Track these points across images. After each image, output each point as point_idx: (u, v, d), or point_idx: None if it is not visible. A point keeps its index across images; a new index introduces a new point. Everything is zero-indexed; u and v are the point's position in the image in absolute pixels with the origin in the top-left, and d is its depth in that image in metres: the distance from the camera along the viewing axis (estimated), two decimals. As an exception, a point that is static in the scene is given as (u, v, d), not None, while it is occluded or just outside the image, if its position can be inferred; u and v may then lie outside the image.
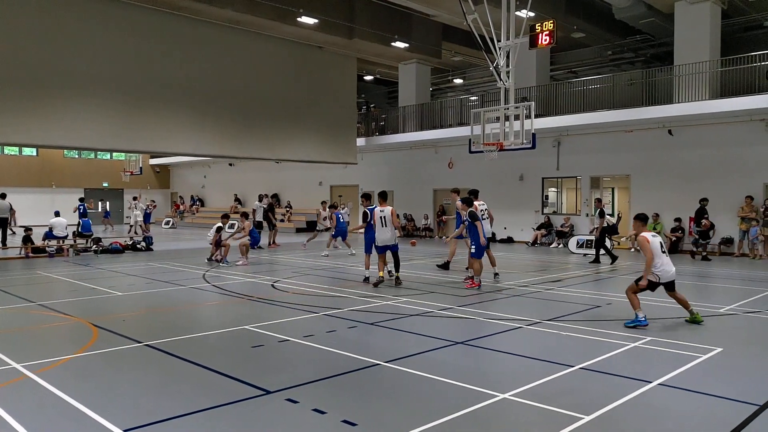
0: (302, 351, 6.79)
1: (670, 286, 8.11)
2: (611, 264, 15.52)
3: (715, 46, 18.94)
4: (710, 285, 12.33)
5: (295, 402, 5.02)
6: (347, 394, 5.29)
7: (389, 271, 11.85)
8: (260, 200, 21.92)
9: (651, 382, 5.48)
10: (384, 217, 11.31)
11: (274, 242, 21.53)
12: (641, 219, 8.47)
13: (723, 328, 8.06)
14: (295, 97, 22.78)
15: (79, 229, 19.82)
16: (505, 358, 6.56)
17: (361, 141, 26.84)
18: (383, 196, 11.92)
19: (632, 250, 19.67)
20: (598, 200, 17.34)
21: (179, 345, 6.99)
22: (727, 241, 18.28)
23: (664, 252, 8.04)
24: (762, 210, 17.22)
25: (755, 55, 17.96)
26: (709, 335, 7.53)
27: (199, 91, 19.99)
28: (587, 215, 21.71)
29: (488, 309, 9.22)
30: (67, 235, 18.98)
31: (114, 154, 37.42)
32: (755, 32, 21.79)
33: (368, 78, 31.59)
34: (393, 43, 23.48)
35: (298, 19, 20.47)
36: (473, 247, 11.33)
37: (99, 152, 37.39)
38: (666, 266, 7.97)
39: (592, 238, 19.21)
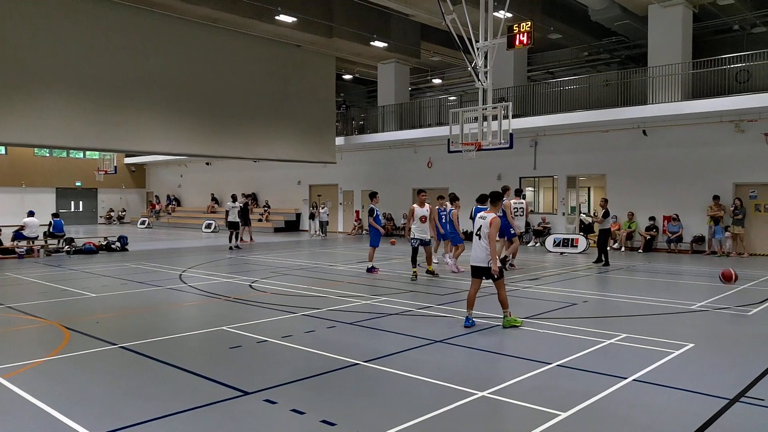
0: (281, 351, 6.75)
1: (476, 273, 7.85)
2: (594, 263, 15.61)
3: (687, 48, 19.28)
4: (681, 282, 12.56)
5: (273, 403, 4.99)
6: (326, 395, 5.27)
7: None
8: (234, 200, 21.89)
9: (626, 378, 5.57)
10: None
11: (250, 239, 23.17)
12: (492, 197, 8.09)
13: (694, 324, 8.21)
14: (274, 96, 22.65)
15: (51, 229, 19.45)
16: (484, 357, 6.60)
17: (340, 140, 26.79)
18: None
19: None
20: (605, 200, 15.96)
21: (155, 347, 6.90)
22: (699, 240, 18.63)
23: (477, 235, 7.74)
24: (732, 209, 17.58)
25: (725, 57, 18.32)
26: (681, 331, 7.67)
27: (176, 89, 19.74)
28: (564, 214, 21.95)
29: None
30: (38, 236, 18.61)
31: (87, 153, 36.80)
32: (725, 35, 22.26)
33: (347, 77, 31.51)
34: (372, 43, 23.47)
35: (276, 17, 20.33)
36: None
37: (71, 151, 36.72)
38: (473, 250, 7.74)
39: (569, 236, 19.48)
